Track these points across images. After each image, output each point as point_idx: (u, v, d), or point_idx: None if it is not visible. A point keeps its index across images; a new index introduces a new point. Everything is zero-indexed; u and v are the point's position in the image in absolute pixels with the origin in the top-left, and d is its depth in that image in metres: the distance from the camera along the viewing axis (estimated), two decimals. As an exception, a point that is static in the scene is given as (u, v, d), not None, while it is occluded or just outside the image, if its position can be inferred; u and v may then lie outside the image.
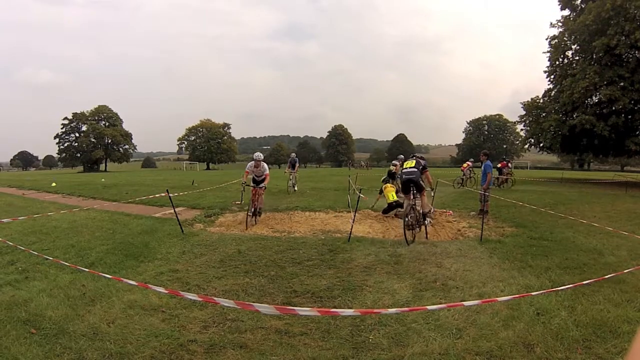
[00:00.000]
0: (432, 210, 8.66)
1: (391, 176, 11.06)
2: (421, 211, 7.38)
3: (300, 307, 2.37)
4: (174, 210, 7.84)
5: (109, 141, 78.12)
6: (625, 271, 3.74)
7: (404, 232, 6.75)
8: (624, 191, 18.70)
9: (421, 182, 7.61)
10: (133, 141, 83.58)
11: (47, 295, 4.04)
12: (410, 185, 7.38)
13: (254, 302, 2.30)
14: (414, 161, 7.71)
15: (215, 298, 2.43)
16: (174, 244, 6.59)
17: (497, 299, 2.97)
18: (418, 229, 7.18)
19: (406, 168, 7.65)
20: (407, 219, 6.88)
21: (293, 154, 17.78)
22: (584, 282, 3.27)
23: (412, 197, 7.30)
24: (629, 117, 24.62)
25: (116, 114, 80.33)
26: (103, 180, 24.75)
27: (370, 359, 2.92)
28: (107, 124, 78.77)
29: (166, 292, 3.03)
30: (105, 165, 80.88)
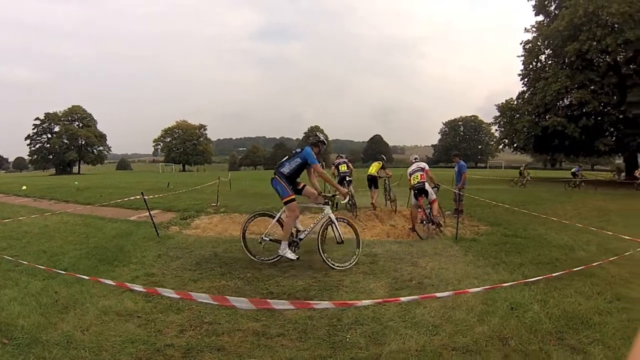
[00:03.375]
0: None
1: None
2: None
3: (276, 305, 2.40)
4: (149, 213, 7.68)
5: (83, 142, 75.92)
6: (594, 264, 3.90)
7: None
8: (594, 189, 19.45)
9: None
10: (107, 142, 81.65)
11: (18, 303, 3.88)
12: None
13: (228, 297, 2.29)
14: (345, 165, 11.12)
15: (191, 293, 2.41)
16: (150, 247, 6.46)
17: (469, 290, 3.06)
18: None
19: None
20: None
21: None
22: (553, 274, 3.40)
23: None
24: (599, 119, 25.74)
25: (90, 114, 78.25)
26: (76, 183, 23.90)
27: (348, 358, 2.94)
28: (80, 124, 76.56)
29: (144, 290, 2.98)
30: (79, 168, 78.56)
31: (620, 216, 10.30)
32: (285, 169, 5.60)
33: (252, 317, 3.58)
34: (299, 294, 4.33)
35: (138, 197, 7.81)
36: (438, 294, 2.72)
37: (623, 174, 26.03)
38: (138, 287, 2.81)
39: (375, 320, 3.55)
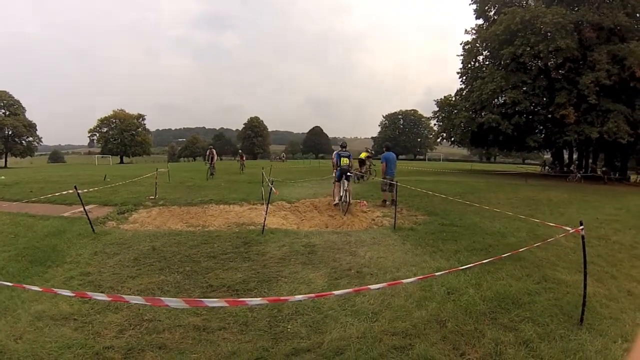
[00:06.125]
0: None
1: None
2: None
3: (210, 303, 2.39)
4: (84, 208, 7.23)
5: (10, 132, 68.91)
6: (521, 250, 4.28)
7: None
8: (524, 181, 21.05)
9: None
10: (38, 133, 74.85)
11: (-57, 317, 3.54)
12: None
13: (162, 297, 2.25)
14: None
15: (124, 296, 2.32)
16: (85, 244, 6.12)
17: (402, 281, 3.23)
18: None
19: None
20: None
21: None
22: (484, 261, 3.68)
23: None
24: (530, 117, 27.95)
25: (18, 101, 70.96)
26: (3, 177, 21.79)
27: (290, 347, 3.00)
28: (7, 112, 69.39)
29: (73, 294, 2.83)
30: (6, 161, 71.46)
31: (546, 205, 11.27)
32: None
33: (193, 312, 3.55)
34: (239, 286, 4.33)
35: (71, 191, 7.30)
36: (372, 286, 2.84)
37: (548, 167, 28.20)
38: (66, 292, 2.66)
39: (316, 309, 3.64)
